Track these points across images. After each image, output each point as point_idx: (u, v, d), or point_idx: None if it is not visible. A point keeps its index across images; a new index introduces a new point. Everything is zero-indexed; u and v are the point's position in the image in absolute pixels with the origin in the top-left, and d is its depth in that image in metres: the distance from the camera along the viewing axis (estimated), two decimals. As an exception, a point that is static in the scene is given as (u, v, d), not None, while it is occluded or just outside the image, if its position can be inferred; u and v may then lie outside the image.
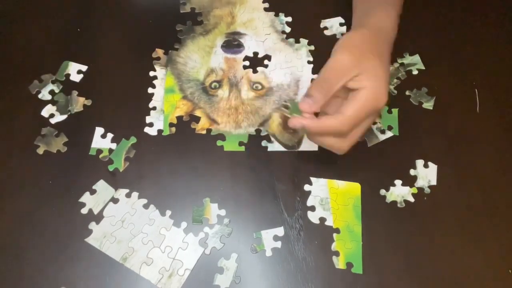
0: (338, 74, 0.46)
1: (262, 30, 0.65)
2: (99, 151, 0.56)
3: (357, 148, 0.56)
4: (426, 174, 0.55)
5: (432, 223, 0.53)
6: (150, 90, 0.60)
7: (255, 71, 0.62)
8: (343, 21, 0.65)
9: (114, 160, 0.56)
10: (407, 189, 0.55)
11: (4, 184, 0.54)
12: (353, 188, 0.54)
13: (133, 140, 0.57)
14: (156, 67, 0.62)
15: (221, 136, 0.57)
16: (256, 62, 0.63)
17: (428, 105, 0.60)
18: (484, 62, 0.63)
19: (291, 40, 0.64)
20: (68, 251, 0.51)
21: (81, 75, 0.61)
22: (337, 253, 0.51)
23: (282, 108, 0.49)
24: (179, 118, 0.59)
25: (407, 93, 0.60)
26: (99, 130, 0.57)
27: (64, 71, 0.61)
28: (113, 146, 0.56)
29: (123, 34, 0.64)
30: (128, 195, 0.54)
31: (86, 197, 0.53)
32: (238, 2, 0.67)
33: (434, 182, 0.55)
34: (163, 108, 0.59)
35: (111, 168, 0.55)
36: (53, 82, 0.60)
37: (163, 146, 0.57)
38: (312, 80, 0.60)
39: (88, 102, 0.59)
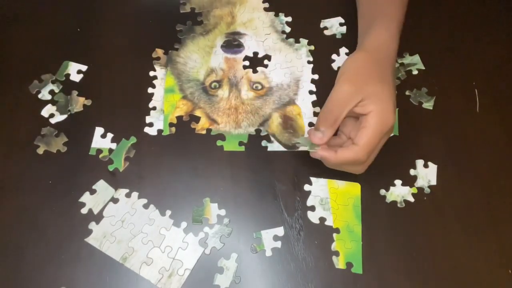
0: (341, 104, 0.48)
1: (262, 30, 0.65)
2: (99, 151, 0.56)
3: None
4: (426, 174, 0.55)
5: (432, 223, 0.53)
6: (150, 90, 0.60)
7: (255, 71, 0.62)
8: (343, 21, 0.65)
9: (114, 160, 0.56)
10: (407, 189, 0.55)
11: (4, 184, 0.54)
12: (353, 188, 0.54)
13: (133, 140, 0.57)
14: (156, 67, 0.62)
15: (221, 136, 0.57)
16: (256, 62, 0.63)
17: (428, 105, 0.60)
18: (484, 62, 0.63)
19: (291, 40, 0.64)
20: (68, 251, 0.51)
21: (81, 75, 0.61)
22: (337, 253, 0.51)
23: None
24: (179, 118, 0.59)
25: (407, 93, 0.60)
26: (99, 130, 0.57)
27: (64, 71, 0.61)
28: (113, 146, 0.56)
29: (123, 34, 0.64)
30: (128, 195, 0.54)
31: (86, 197, 0.53)
32: (238, 2, 0.67)
33: (434, 182, 0.55)
34: (163, 108, 0.59)
35: (111, 168, 0.55)
36: (53, 82, 0.60)
37: (163, 146, 0.57)
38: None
39: (88, 102, 0.59)
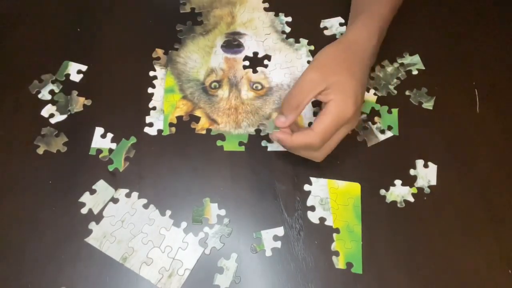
0: (305, 91, 0.49)
1: (262, 30, 0.65)
2: (99, 151, 0.56)
3: (357, 148, 0.57)
4: (426, 174, 0.55)
5: (432, 223, 0.53)
6: (150, 90, 0.60)
7: (255, 71, 0.62)
8: (343, 21, 0.65)
9: (114, 160, 0.56)
10: (407, 189, 0.55)
11: (4, 184, 0.54)
12: (353, 188, 0.54)
13: (133, 140, 0.57)
14: (156, 67, 0.62)
15: (221, 136, 0.57)
16: (256, 62, 0.63)
17: (428, 105, 0.60)
18: (484, 62, 0.63)
19: (291, 40, 0.64)
20: (68, 251, 0.51)
21: (81, 75, 0.61)
22: (337, 253, 0.51)
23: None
24: (179, 118, 0.59)
25: (407, 93, 0.60)
26: (99, 130, 0.57)
27: (64, 71, 0.61)
28: (113, 146, 0.56)
29: (123, 34, 0.64)
30: (128, 195, 0.54)
31: (86, 197, 0.53)
32: (238, 2, 0.67)
33: (434, 182, 0.55)
34: (163, 108, 0.59)
35: (111, 168, 0.55)
36: (53, 82, 0.60)
37: (163, 146, 0.57)
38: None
39: (88, 102, 0.59)
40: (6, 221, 0.52)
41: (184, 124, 0.58)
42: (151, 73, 0.61)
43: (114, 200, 0.53)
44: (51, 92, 0.60)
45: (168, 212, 0.53)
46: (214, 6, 0.67)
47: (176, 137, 0.57)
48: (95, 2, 0.67)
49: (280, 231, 0.52)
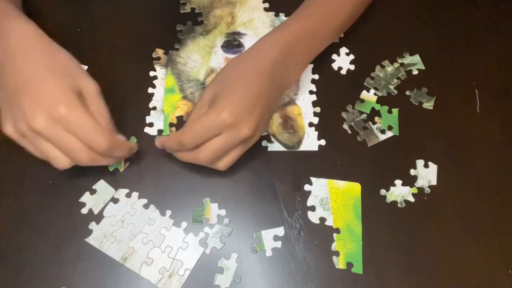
0: (197, 109, 0.52)
1: (262, 30, 0.65)
2: (99, 151, 0.56)
3: (358, 148, 0.57)
4: (426, 174, 0.55)
5: (432, 223, 0.53)
6: (150, 90, 0.60)
7: (255, 71, 0.62)
8: (343, 21, 0.65)
9: (114, 160, 0.56)
10: (407, 189, 0.55)
11: (4, 184, 0.54)
12: (353, 188, 0.54)
13: (133, 140, 0.57)
14: (156, 67, 0.62)
15: (221, 136, 0.57)
16: (256, 62, 0.62)
17: (428, 105, 0.60)
18: (484, 62, 0.63)
19: (291, 40, 0.64)
20: (68, 251, 0.51)
21: (81, 75, 0.61)
22: (337, 253, 0.51)
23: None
24: (179, 118, 0.59)
25: (407, 93, 0.60)
26: (99, 130, 0.57)
27: (64, 71, 0.61)
28: (113, 146, 0.56)
29: (123, 34, 0.64)
30: (128, 195, 0.54)
31: (86, 197, 0.53)
32: (238, 2, 0.67)
33: (434, 182, 0.55)
34: (163, 108, 0.59)
35: (111, 168, 0.55)
36: (53, 82, 0.60)
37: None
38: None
39: (88, 102, 0.59)
40: (6, 221, 0.52)
41: (184, 124, 0.58)
42: (151, 73, 0.61)
43: (115, 200, 0.53)
44: (51, 92, 0.60)
45: (168, 212, 0.53)
46: (214, 6, 0.66)
47: (176, 137, 0.57)
48: (95, 2, 0.67)
49: (280, 231, 0.52)
